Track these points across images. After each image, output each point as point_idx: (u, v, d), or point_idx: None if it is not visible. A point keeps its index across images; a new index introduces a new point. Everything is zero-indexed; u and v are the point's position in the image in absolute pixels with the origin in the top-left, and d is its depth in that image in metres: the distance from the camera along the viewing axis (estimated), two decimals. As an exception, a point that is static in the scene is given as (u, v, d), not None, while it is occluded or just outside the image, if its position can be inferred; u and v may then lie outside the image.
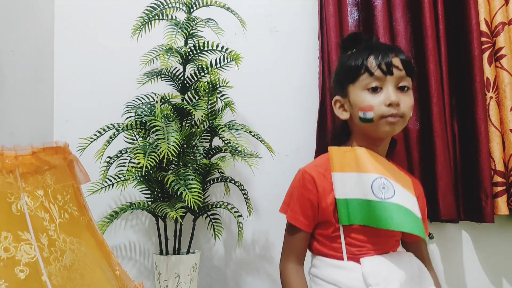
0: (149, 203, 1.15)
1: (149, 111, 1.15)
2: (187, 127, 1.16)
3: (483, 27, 1.28)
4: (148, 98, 1.19)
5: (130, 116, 1.17)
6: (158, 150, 0.98)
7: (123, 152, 1.15)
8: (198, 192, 1.00)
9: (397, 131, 0.98)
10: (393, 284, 0.88)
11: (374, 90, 0.96)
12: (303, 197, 0.98)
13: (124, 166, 1.16)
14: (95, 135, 1.11)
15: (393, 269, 0.90)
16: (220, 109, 1.19)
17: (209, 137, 1.19)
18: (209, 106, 1.14)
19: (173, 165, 1.13)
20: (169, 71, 1.15)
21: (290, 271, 1.00)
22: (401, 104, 0.95)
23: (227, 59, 1.16)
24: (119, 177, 1.16)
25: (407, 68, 0.98)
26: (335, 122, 1.25)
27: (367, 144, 1.01)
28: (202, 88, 1.12)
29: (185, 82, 1.17)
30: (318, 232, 1.00)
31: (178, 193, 1.02)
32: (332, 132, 1.23)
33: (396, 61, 0.97)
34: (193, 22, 1.14)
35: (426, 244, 1.07)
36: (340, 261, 0.95)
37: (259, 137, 1.18)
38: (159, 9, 1.13)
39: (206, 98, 1.13)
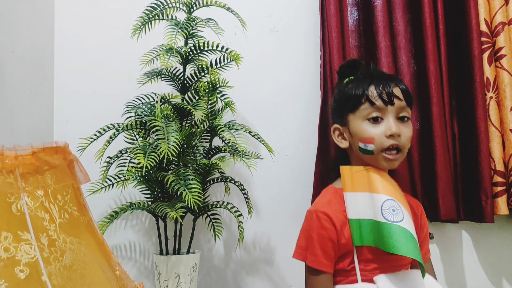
0: (149, 203, 1.15)
1: (149, 111, 1.15)
2: (187, 127, 1.16)
3: (483, 27, 1.28)
4: (148, 98, 1.19)
5: (130, 116, 1.17)
6: (158, 150, 0.98)
7: (123, 152, 1.15)
8: (198, 192, 1.00)
9: (395, 166, 0.97)
10: None
11: (375, 120, 0.95)
12: (323, 238, 0.95)
13: (124, 166, 1.16)
14: (95, 135, 1.11)
15: (409, 285, 0.90)
16: (220, 109, 1.19)
17: (209, 137, 1.19)
18: (209, 106, 1.14)
19: (173, 165, 1.13)
20: (169, 71, 1.15)
21: None
22: (401, 135, 0.94)
23: (227, 59, 1.16)
24: (119, 177, 1.16)
25: (407, 99, 0.98)
26: (335, 149, 1.23)
27: None
28: (202, 88, 1.12)
29: (185, 82, 1.17)
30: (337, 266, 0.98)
31: (178, 193, 1.02)
32: (333, 159, 1.22)
33: (397, 91, 0.96)
34: (193, 22, 1.14)
35: (431, 262, 1.07)
36: (355, 284, 0.93)
37: (259, 137, 1.18)
38: (159, 9, 1.13)
39: (206, 98, 1.13)
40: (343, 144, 1.02)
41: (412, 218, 0.96)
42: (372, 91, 0.96)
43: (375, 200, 0.92)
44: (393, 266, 0.95)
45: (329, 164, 1.21)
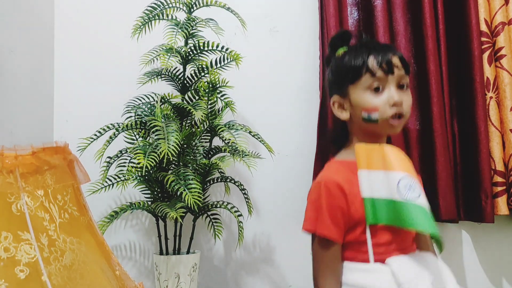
0: (149, 203, 1.15)
1: (149, 111, 1.15)
2: (187, 127, 1.16)
3: (483, 27, 1.28)
4: (148, 98, 1.19)
5: (130, 116, 1.17)
6: (158, 150, 0.98)
7: (123, 152, 1.15)
8: (198, 192, 1.00)
9: (398, 131, 0.99)
10: (424, 283, 0.87)
11: (377, 90, 0.97)
12: (332, 207, 0.95)
13: (124, 166, 1.16)
14: (95, 135, 1.11)
15: (420, 268, 0.90)
16: (220, 109, 1.19)
17: (209, 137, 1.19)
18: (209, 106, 1.14)
19: (173, 165, 1.13)
20: (169, 71, 1.15)
21: None
22: (403, 103, 0.96)
23: (227, 59, 1.16)
24: (119, 177, 1.16)
25: (405, 67, 1.00)
26: (334, 122, 1.25)
27: (367, 142, 1.02)
28: (202, 88, 1.12)
29: (185, 82, 1.17)
30: (348, 239, 0.98)
31: (178, 193, 1.01)
32: (332, 133, 1.22)
33: (395, 60, 0.98)
34: (193, 22, 1.14)
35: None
36: (366, 263, 0.93)
37: (259, 137, 1.18)
38: (159, 9, 1.13)
39: (206, 98, 1.13)
40: (344, 115, 1.03)
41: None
42: (372, 62, 0.97)
43: (390, 178, 0.92)
44: (403, 244, 0.95)
45: (328, 139, 1.21)
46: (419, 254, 0.96)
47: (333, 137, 1.14)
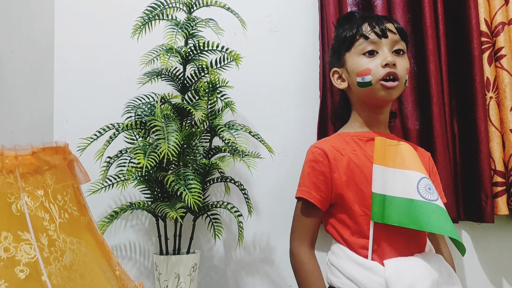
0: (149, 203, 1.15)
1: (149, 111, 1.15)
2: (187, 127, 1.16)
3: (483, 27, 1.28)
4: (148, 98, 1.19)
5: (130, 116, 1.17)
6: (158, 150, 0.98)
7: (123, 152, 1.15)
8: (198, 192, 1.00)
9: (394, 96, 1.00)
10: None
11: (371, 54, 0.99)
12: (314, 171, 0.97)
13: (124, 166, 1.16)
14: (95, 135, 1.11)
15: (418, 276, 0.85)
16: (220, 109, 1.19)
17: (209, 137, 1.19)
18: (209, 106, 1.14)
19: (173, 165, 1.13)
20: (169, 71, 1.15)
21: (304, 256, 0.96)
22: (397, 65, 0.97)
23: (227, 59, 1.16)
24: (119, 177, 1.16)
25: (401, 33, 1.01)
26: (333, 100, 1.24)
27: (368, 114, 1.02)
28: (202, 88, 1.12)
29: (185, 82, 1.17)
30: (337, 214, 0.97)
31: (178, 193, 1.01)
32: (333, 108, 1.21)
33: (390, 26, 1.02)
34: (193, 22, 1.14)
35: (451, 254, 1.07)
36: (364, 258, 0.91)
37: (259, 137, 1.18)
38: (159, 9, 1.13)
39: (206, 98, 1.13)
40: (342, 85, 1.05)
41: (423, 164, 0.97)
42: (366, 27, 1.01)
43: (409, 178, 0.90)
44: (410, 245, 0.93)
45: (330, 116, 1.21)
46: (425, 257, 0.91)
47: (334, 109, 1.15)
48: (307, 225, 0.98)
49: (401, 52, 1.01)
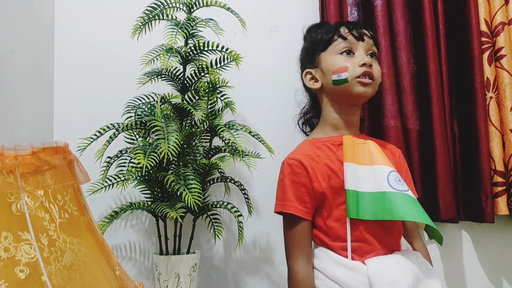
0: (149, 203, 1.15)
1: (149, 111, 1.15)
2: (187, 127, 1.16)
3: (483, 27, 1.28)
4: (148, 98, 1.19)
5: (130, 116, 1.17)
6: (158, 150, 0.98)
7: (123, 152, 1.15)
8: (198, 192, 1.00)
9: (369, 93, 1.01)
10: None
11: (348, 53, 1.01)
12: (295, 183, 0.97)
13: (124, 166, 1.16)
14: (95, 135, 1.11)
15: (400, 272, 0.87)
16: (220, 109, 1.19)
17: (209, 137, 1.19)
18: (209, 106, 1.14)
19: (173, 165, 1.13)
20: (169, 71, 1.15)
21: (302, 275, 0.93)
22: (373, 67, 1.00)
23: (227, 59, 1.16)
24: (119, 177, 1.16)
25: (374, 39, 1.06)
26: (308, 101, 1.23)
27: (339, 116, 1.03)
28: (202, 88, 1.12)
29: (185, 82, 1.17)
30: (318, 219, 0.98)
31: (178, 193, 1.01)
32: (305, 115, 1.21)
33: (366, 31, 1.05)
34: (193, 22, 1.14)
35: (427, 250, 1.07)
36: (346, 259, 0.92)
37: (259, 137, 1.18)
38: (159, 9, 1.13)
39: (206, 98, 1.13)
40: (315, 85, 1.07)
41: (393, 161, 0.99)
42: (344, 29, 1.04)
43: (378, 172, 0.93)
44: (387, 242, 0.94)
45: (302, 120, 1.20)
46: (404, 254, 0.93)
47: (306, 117, 1.16)
48: (300, 240, 0.98)
49: (374, 56, 1.05)
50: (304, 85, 1.12)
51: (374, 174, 0.93)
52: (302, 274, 0.94)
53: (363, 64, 0.99)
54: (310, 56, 1.09)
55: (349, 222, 0.94)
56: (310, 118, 1.16)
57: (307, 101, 1.19)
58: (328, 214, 0.96)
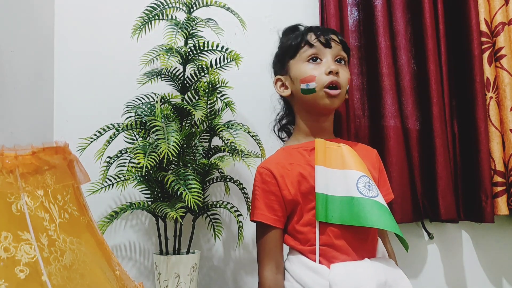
0: (149, 203, 1.15)
1: (149, 111, 1.15)
2: (187, 127, 1.16)
3: (483, 27, 1.28)
4: (148, 98, 1.19)
5: (130, 116, 1.17)
6: (158, 150, 0.98)
7: (123, 152, 1.15)
8: (198, 192, 1.00)
9: (336, 104, 1.01)
10: None
11: (314, 60, 1.00)
12: (264, 192, 0.98)
13: (124, 166, 1.16)
14: (95, 135, 1.11)
15: (363, 279, 0.86)
16: (219, 109, 1.19)
17: (209, 137, 1.19)
18: (208, 106, 1.14)
19: (173, 165, 1.13)
20: (169, 71, 1.15)
21: (269, 282, 0.95)
22: (340, 74, 0.99)
23: (227, 59, 1.16)
24: (119, 177, 1.16)
25: (343, 45, 1.06)
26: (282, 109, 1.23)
27: (311, 124, 1.04)
28: (202, 88, 1.12)
29: (185, 82, 1.17)
30: (290, 225, 0.98)
31: (178, 193, 1.01)
32: (280, 122, 1.22)
33: (334, 37, 1.05)
34: (193, 22, 1.14)
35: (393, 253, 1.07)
36: (312, 262, 0.92)
37: (257, 139, 1.18)
38: (159, 9, 1.13)
39: (206, 98, 1.13)
40: (285, 92, 1.08)
41: (369, 162, 1.00)
42: (311, 36, 1.04)
43: (349, 177, 0.93)
44: (357, 248, 0.93)
45: (278, 126, 1.21)
46: (373, 262, 0.92)
47: (281, 124, 1.17)
48: (269, 248, 0.98)
49: (343, 62, 1.04)
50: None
51: (345, 179, 0.93)
52: (269, 282, 0.95)
53: (330, 72, 0.99)
54: (280, 63, 1.10)
55: (318, 226, 0.93)
56: (286, 124, 1.17)
57: (281, 107, 1.19)
58: (298, 219, 0.97)
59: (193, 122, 1.18)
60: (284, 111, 1.17)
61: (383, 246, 1.01)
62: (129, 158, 1.17)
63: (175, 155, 0.97)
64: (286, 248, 1.02)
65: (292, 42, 1.06)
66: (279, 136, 1.20)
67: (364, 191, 0.91)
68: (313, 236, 0.93)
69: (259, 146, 1.18)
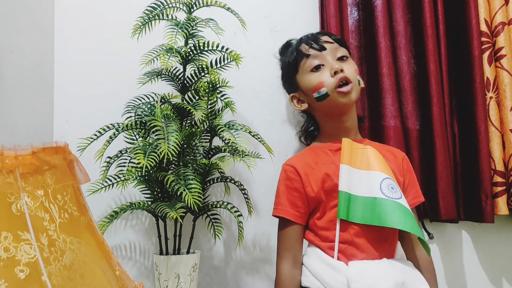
0: (149, 203, 1.15)
1: (149, 111, 1.15)
2: (187, 127, 1.16)
3: (483, 27, 1.28)
4: (148, 98, 1.19)
5: (130, 116, 1.17)
6: (158, 150, 0.98)
7: (123, 152, 1.15)
8: (198, 192, 1.00)
9: (353, 98, 1.03)
10: None
11: (317, 68, 1.02)
12: (288, 188, 1.00)
13: (124, 166, 1.16)
14: (95, 135, 1.11)
15: (380, 277, 0.87)
16: (220, 109, 1.19)
17: (209, 137, 1.19)
18: (209, 106, 1.14)
19: (173, 165, 1.13)
20: (169, 71, 1.15)
21: (285, 276, 0.96)
22: (345, 70, 1.00)
23: (227, 59, 1.16)
24: (119, 177, 1.16)
25: (338, 41, 1.07)
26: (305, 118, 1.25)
27: (334, 125, 1.05)
28: (202, 88, 1.12)
29: (185, 82, 1.17)
30: (311, 220, 0.99)
31: (178, 193, 1.02)
32: (305, 129, 1.23)
33: (326, 38, 1.06)
34: (193, 22, 1.14)
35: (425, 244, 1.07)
36: (331, 257, 0.93)
37: (259, 138, 1.18)
38: (159, 9, 1.13)
39: (206, 98, 1.13)
40: (303, 106, 1.09)
41: (394, 165, 1.00)
42: (304, 46, 1.06)
43: (373, 178, 0.94)
44: (375, 248, 0.94)
45: (304, 135, 1.23)
46: (391, 262, 0.92)
47: (306, 131, 1.18)
48: (289, 242, 1.00)
49: (345, 58, 1.05)
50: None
51: (369, 180, 0.94)
52: (285, 275, 0.97)
53: (335, 72, 1.00)
54: (288, 82, 1.13)
55: (339, 223, 0.94)
56: (312, 131, 1.18)
57: (305, 119, 1.21)
58: (320, 216, 0.98)
59: (193, 122, 1.18)
60: (308, 122, 1.19)
61: (402, 249, 1.02)
62: (129, 158, 1.16)
63: (175, 155, 0.97)
64: (305, 244, 1.02)
65: (289, 59, 1.09)
66: (306, 144, 1.21)
67: (387, 192, 0.92)
68: (334, 233, 0.94)
69: (262, 144, 1.18)
